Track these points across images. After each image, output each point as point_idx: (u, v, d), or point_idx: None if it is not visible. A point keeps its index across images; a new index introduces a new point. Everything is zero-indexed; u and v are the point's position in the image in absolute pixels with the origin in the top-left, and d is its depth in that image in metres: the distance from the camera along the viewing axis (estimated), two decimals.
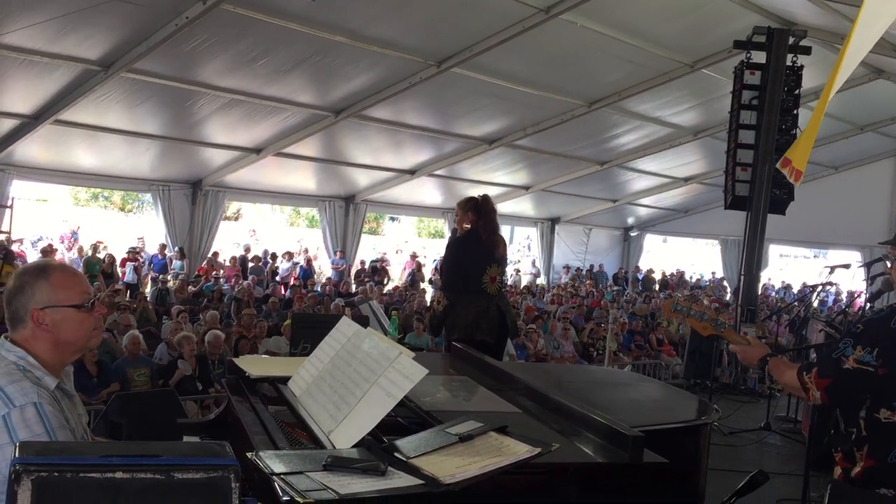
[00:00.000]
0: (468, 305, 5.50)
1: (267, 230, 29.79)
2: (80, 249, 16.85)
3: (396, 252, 22.11)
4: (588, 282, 20.20)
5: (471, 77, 11.53)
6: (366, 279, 17.42)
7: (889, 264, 2.85)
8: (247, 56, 10.17)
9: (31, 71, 9.82)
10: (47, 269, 2.11)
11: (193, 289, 13.34)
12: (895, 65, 12.96)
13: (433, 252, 24.07)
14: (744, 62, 9.93)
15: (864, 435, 2.58)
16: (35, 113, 11.04)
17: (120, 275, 14.89)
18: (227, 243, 20.47)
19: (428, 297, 16.25)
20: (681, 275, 25.46)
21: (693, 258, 30.02)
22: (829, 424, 2.77)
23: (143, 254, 16.04)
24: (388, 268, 19.84)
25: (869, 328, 2.58)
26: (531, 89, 12.34)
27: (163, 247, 15.38)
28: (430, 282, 19.17)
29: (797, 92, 9.91)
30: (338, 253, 17.72)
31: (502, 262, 5.70)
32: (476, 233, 5.60)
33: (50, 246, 15.46)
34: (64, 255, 17.96)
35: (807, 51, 9.87)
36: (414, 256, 21.09)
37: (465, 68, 11.14)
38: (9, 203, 13.18)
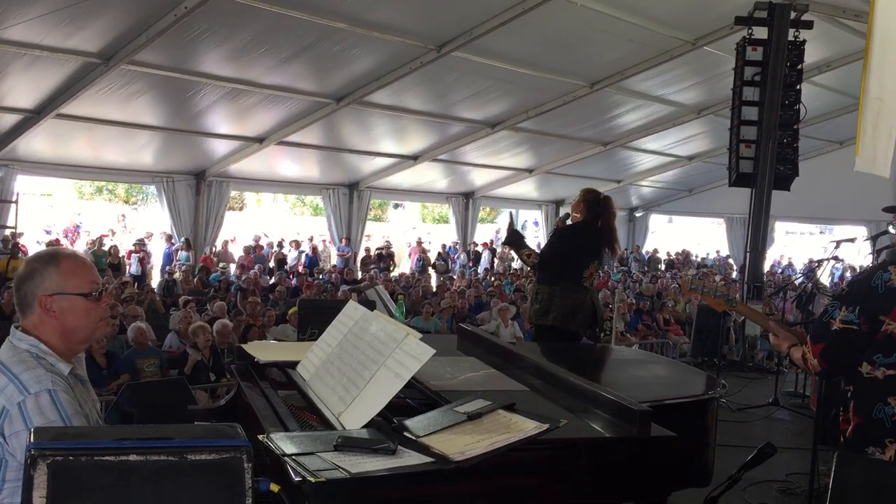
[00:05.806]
0: (568, 295, 5.48)
1: (271, 219, 29.82)
2: (91, 242, 16.82)
3: (408, 245, 22.09)
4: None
5: (471, 60, 11.47)
6: (371, 266, 17.45)
7: (893, 230, 2.87)
8: (247, 45, 10.14)
9: (32, 65, 9.82)
10: (57, 257, 2.12)
11: (200, 279, 13.36)
12: None
13: (438, 237, 24.07)
14: (745, 38, 9.85)
15: (851, 390, 2.63)
16: (37, 107, 11.06)
17: (127, 266, 14.94)
18: (233, 234, 20.49)
19: (434, 283, 16.28)
20: (686, 254, 25.45)
21: (699, 237, 29.97)
22: (836, 398, 2.85)
23: (148, 245, 16.06)
24: (393, 252, 19.84)
25: (851, 288, 2.67)
26: (532, 71, 12.27)
27: (169, 237, 15.39)
28: (434, 267, 19.17)
29: (800, 67, 9.83)
30: (343, 240, 17.75)
31: (602, 261, 5.77)
32: (587, 226, 5.57)
33: (57, 241, 15.50)
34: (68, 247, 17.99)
35: (809, 25, 9.78)
36: (420, 243, 21.10)
37: (466, 52, 11.08)
38: (14, 198, 13.25)
